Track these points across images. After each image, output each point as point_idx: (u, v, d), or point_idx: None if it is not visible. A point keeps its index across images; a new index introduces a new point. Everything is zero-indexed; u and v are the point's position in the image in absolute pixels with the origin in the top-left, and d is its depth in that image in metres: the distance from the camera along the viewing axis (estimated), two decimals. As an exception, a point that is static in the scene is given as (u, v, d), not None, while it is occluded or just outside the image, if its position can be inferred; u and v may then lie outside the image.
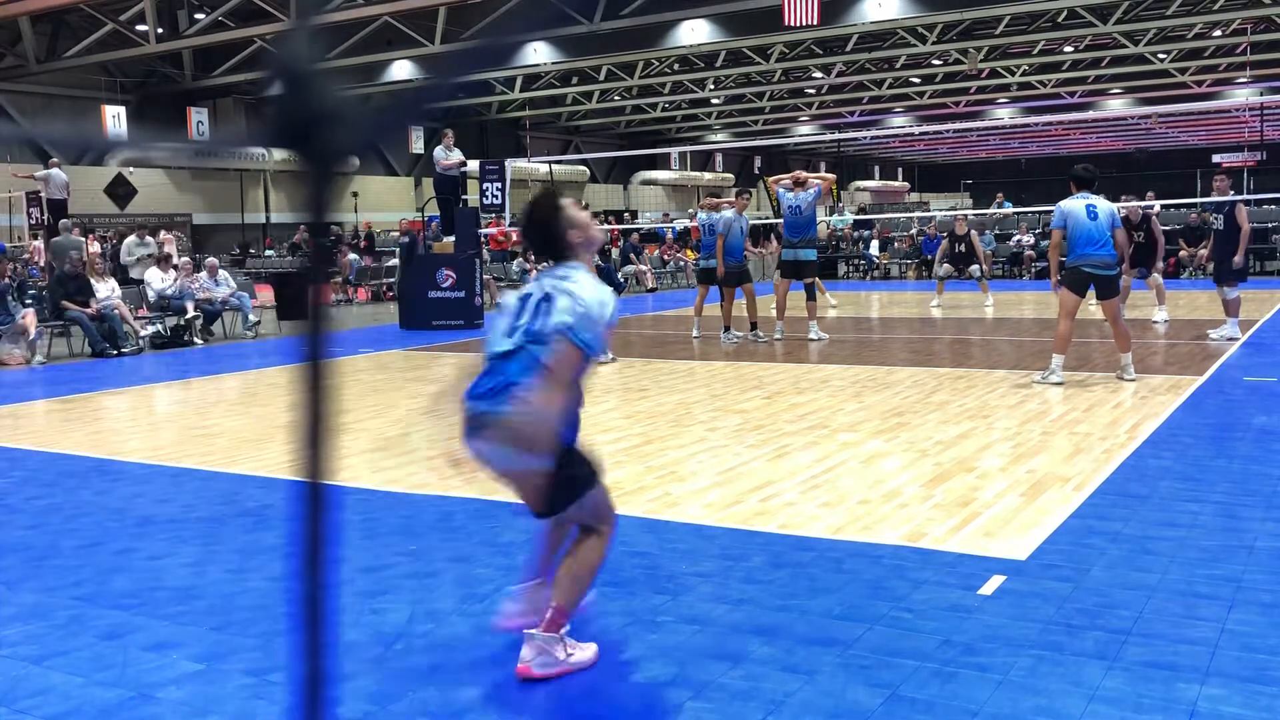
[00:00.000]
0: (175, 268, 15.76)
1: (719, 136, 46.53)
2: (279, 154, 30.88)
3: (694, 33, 23.81)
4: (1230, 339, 11.41)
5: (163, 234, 19.91)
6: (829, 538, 4.89)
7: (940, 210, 33.53)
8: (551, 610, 3.46)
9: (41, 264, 14.10)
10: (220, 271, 16.18)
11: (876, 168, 59.32)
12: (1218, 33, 28.17)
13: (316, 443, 0.83)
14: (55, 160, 19.41)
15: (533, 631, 3.47)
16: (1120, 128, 45.92)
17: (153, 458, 7.16)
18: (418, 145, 34.44)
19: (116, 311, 13.79)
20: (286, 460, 6.91)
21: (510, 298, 3.63)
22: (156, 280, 15.24)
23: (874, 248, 26.18)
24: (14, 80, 26.15)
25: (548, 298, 3.46)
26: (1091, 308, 13.79)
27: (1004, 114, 40.24)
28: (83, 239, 18.57)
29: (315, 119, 0.81)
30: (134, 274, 17.00)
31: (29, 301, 13.79)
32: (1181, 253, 22.03)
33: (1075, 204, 8.87)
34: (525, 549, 4.84)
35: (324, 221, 0.86)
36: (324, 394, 0.84)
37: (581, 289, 3.42)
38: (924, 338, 12.79)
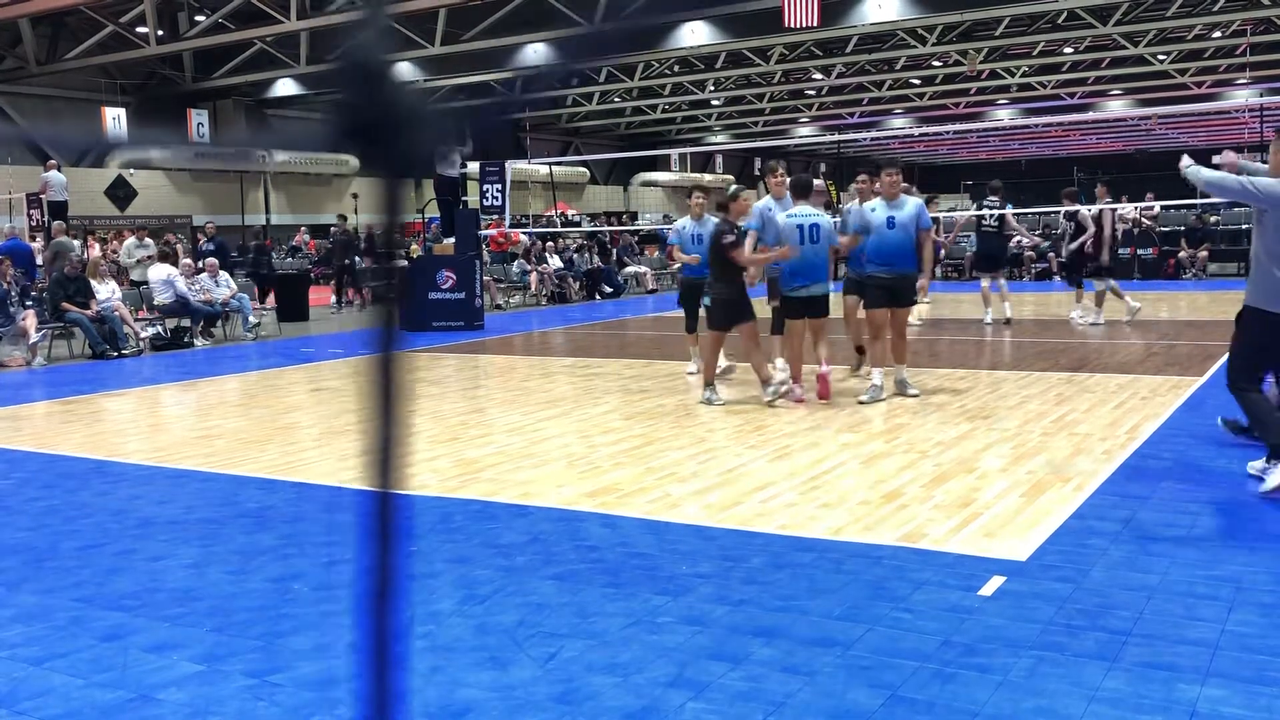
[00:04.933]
0: (184, 265, 15.72)
1: (719, 138, 46.52)
2: (280, 155, 30.86)
3: (694, 34, 23.82)
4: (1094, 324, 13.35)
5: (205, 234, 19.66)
6: (829, 538, 4.89)
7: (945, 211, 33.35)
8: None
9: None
10: (221, 272, 16.17)
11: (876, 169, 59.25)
12: (1217, 34, 28.16)
13: (388, 450, 0.79)
14: (53, 162, 19.40)
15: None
16: (1120, 129, 45.90)
17: (153, 459, 7.16)
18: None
19: (116, 313, 13.78)
20: (287, 462, 6.91)
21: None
22: (166, 278, 15.00)
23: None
24: (14, 82, 26.16)
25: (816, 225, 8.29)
26: (1019, 307, 13.85)
27: (1004, 115, 40.22)
28: (76, 242, 18.52)
29: (390, 121, 0.74)
30: (134, 276, 16.97)
31: (29, 303, 13.78)
32: (1181, 254, 22.03)
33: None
34: (525, 550, 4.85)
35: (397, 229, 0.80)
36: (396, 399, 0.79)
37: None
38: (923, 339, 12.77)
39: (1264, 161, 6.11)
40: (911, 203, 8.74)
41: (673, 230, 10.37)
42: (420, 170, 0.77)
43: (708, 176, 48.04)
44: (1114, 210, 13.96)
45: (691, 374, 10.18)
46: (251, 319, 15.85)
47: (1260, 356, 5.63)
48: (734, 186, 8.74)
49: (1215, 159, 6.19)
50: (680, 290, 10.50)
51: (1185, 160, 5.91)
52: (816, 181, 10.71)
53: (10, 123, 26.74)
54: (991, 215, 14.01)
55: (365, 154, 0.74)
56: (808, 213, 8.54)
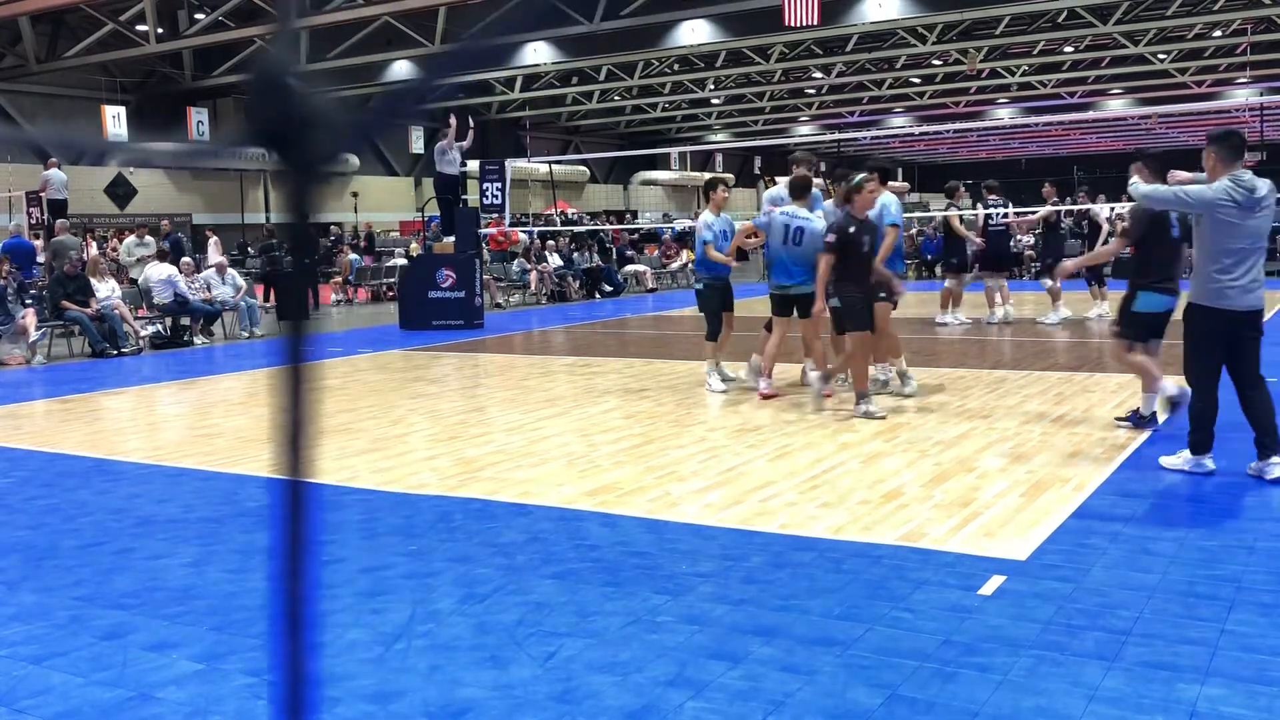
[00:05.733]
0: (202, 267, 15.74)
1: (719, 136, 46.52)
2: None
3: (694, 33, 23.82)
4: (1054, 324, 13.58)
5: (212, 239, 19.72)
6: (829, 538, 4.89)
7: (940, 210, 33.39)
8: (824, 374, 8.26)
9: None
10: (229, 271, 16.17)
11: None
12: (1218, 33, 28.17)
13: (297, 441, 0.82)
14: (54, 160, 19.40)
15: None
16: (1120, 128, 45.91)
17: (152, 458, 7.16)
18: (418, 145, 34.43)
19: (116, 311, 13.78)
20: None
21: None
22: (165, 278, 14.92)
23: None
24: (14, 80, 26.16)
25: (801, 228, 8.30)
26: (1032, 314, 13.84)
27: (1004, 114, 40.23)
28: (79, 239, 18.52)
29: (295, 121, 0.79)
30: (134, 274, 16.96)
31: (29, 302, 13.78)
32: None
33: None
34: (525, 549, 4.85)
35: (304, 224, 0.85)
36: (304, 394, 0.83)
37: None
38: (923, 338, 12.78)
39: (1262, 163, 6.20)
40: (878, 200, 8.50)
41: (703, 227, 9.07)
42: (325, 169, 0.82)
43: (708, 175, 48.03)
44: (1058, 211, 14.01)
45: (714, 390, 9.11)
46: (259, 330, 15.79)
47: (1204, 350, 5.84)
48: (859, 176, 7.76)
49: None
50: (706, 292, 9.15)
51: (1131, 180, 6.39)
52: (817, 180, 10.38)
53: (13, 124, 26.72)
54: (999, 214, 14.04)
55: (274, 155, 0.80)
56: (799, 213, 8.51)
